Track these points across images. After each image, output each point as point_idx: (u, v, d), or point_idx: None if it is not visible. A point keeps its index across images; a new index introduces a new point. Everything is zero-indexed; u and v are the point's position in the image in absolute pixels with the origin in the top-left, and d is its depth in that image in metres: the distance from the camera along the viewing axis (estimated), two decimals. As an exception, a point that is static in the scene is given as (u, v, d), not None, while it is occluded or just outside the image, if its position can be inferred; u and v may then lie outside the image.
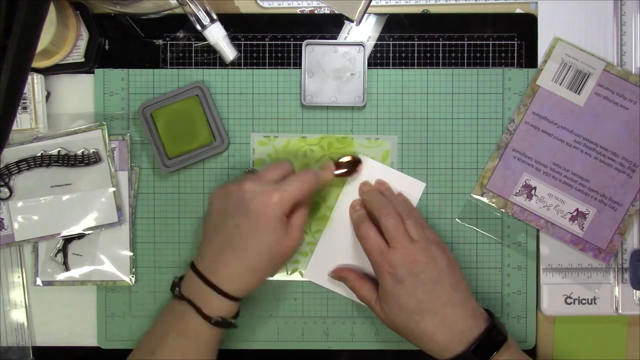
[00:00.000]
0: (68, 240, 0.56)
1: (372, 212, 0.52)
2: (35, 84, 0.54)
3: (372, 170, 0.56)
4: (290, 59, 0.57)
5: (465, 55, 0.57)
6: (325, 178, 0.52)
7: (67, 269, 0.56)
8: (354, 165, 0.55)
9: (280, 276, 0.57)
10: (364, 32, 0.57)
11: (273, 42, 0.57)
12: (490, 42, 0.57)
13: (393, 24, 0.57)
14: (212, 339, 0.48)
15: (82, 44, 0.55)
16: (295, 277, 0.57)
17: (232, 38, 0.56)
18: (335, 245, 0.56)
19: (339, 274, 0.54)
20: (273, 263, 0.48)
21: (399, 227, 0.49)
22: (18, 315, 0.57)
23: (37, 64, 0.54)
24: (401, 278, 0.47)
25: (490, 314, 0.49)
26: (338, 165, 0.54)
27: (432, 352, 0.47)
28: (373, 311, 0.51)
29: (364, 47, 0.55)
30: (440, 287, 0.47)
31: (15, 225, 0.55)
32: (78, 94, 0.57)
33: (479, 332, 0.46)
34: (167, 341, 0.47)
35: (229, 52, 0.55)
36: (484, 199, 0.56)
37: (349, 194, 0.56)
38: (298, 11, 0.57)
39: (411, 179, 0.56)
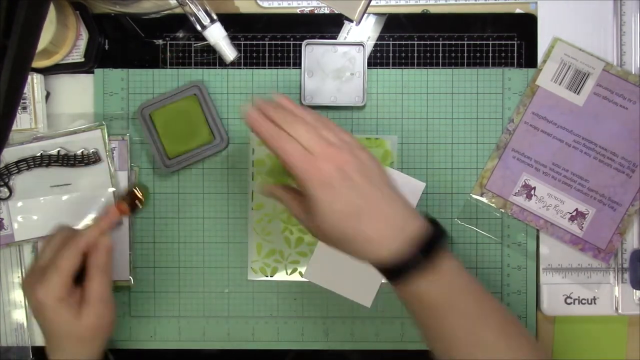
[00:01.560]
0: (68, 240, 0.56)
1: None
2: (35, 84, 0.54)
3: None
4: (290, 59, 0.57)
5: (465, 55, 0.57)
6: (101, 228, 0.48)
7: (66, 269, 0.56)
8: (138, 199, 0.53)
9: (280, 276, 0.57)
10: (363, 32, 0.57)
11: (273, 42, 0.57)
12: (490, 42, 0.57)
13: (393, 24, 0.57)
14: None
15: (82, 43, 0.55)
16: (295, 277, 0.57)
17: (232, 38, 0.56)
18: None
19: (272, 191, 0.48)
20: (84, 345, 0.47)
21: (313, 134, 0.42)
22: (18, 315, 0.56)
23: (37, 63, 0.54)
24: (330, 181, 0.41)
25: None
26: (120, 204, 0.52)
27: (368, 256, 0.42)
28: (305, 227, 0.45)
29: (363, 47, 0.55)
30: (375, 186, 0.42)
31: (15, 225, 0.55)
32: (78, 94, 0.57)
33: (419, 227, 0.41)
34: None
35: (229, 53, 0.55)
36: (484, 199, 0.56)
37: None
38: (298, 11, 0.57)
39: (411, 179, 0.56)
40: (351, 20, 0.56)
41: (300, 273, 0.57)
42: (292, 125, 0.43)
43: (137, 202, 0.53)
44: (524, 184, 0.56)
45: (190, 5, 0.54)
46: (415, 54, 0.57)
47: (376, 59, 0.57)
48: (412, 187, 0.56)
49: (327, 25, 0.57)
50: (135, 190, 0.53)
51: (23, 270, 0.56)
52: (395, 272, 0.41)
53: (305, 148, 0.42)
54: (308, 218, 0.44)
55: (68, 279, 0.46)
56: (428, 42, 0.57)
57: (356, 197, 0.41)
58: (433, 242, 0.41)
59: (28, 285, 0.47)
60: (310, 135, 0.42)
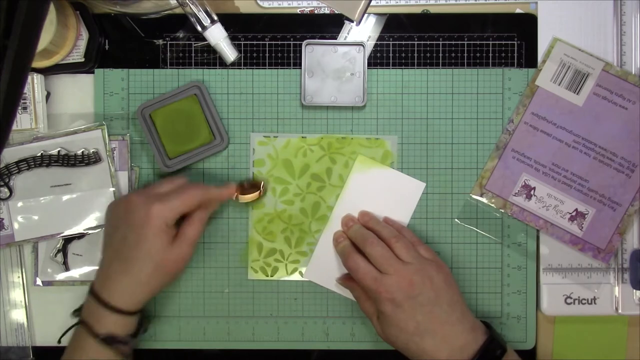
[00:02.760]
0: (68, 240, 0.56)
1: (359, 246, 0.52)
2: (35, 84, 0.54)
3: (372, 172, 0.56)
4: (290, 59, 0.57)
5: (465, 55, 0.57)
6: (219, 194, 0.52)
7: (67, 269, 0.56)
8: (259, 189, 0.55)
9: (280, 276, 0.57)
10: (364, 32, 0.57)
11: (273, 42, 0.57)
12: (490, 42, 0.57)
13: (393, 24, 0.57)
14: None
15: (82, 44, 0.55)
16: (295, 277, 0.57)
17: (232, 38, 0.56)
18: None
19: (345, 283, 0.55)
20: (160, 274, 0.48)
21: (386, 253, 0.49)
22: (18, 315, 0.57)
23: (37, 64, 0.54)
24: (399, 302, 0.47)
25: (488, 326, 0.50)
26: (242, 188, 0.54)
27: None
28: (374, 327, 0.51)
29: (364, 47, 0.55)
30: (439, 307, 0.47)
31: (15, 225, 0.55)
32: (78, 94, 0.57)
33: (477, 345, 0.47)
34: None
35: (229, 53, 0.55)
36: (483, 199, 0.56)
37: (349, 194, 0.56)
38: (298, 11, 0.57)
39: (411, 179, 0.56)
40: (351, 20, 0.56)
41: (300, 273, 0.57)
42: (368, 243, 0.50)
43: (256, 192, 0.55)
44: (523, 184, 0.56)
45: (191, 5, 0.54)
46: (415, 54, 0.57)
47: (376, 59, 0.57)
48: (411, 188, 0.56)
49: (327, 25, 0.57)
50: (260, 184, 0.55)
51: (24, 270, 0.56)
52: None
53: (378, 267, 0.48)
54: (377, 322, 0.50)
55: (181, 213, 0.49)
56: (428, 42, 0.57)
57: (421, 318, 0.47)
58: (492, 355, 0.46)
59: (140, 200, 0.48)
60: (384, 253, 0.49)
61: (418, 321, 0.47)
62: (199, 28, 0.54)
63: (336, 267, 0.56)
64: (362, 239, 0.51)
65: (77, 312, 0.50)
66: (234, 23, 0.56)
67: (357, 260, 0.50)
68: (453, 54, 0.57)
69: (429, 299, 0.47)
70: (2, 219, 0.55)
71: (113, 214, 0.50)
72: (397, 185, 0.56)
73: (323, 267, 0.56)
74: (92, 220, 0.56)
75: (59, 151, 0.55)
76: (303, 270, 0.57)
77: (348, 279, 0.54)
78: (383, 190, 0.56)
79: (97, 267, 0.55)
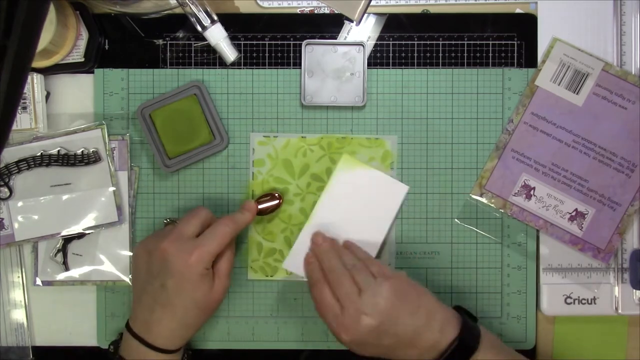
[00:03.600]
0: (68, 240, 0.56)
1: (323, 269, 0.51)
2: (35, 84, 0.54)
3: (356, 171, 0.56)
4: (290, 59, 0.57)
5: (465, 55, 0.57)
6: (245, 221, 0.52)
7: (66, 268, 0.56)
8: (277, 200, 0.55)
9: (280, 276, 0.57)
10: (363, 32, 0.57)
11: (273, 42, 0.57)
12: (490, 42, 0.57)
13: (393, 24, 0.57)
14: None
15: (82, 43, 0.55)
16: (296, 277, 0.57)
17: (232, 38, 0.56)
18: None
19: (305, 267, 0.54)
20: (204, 314, 0.50)
21: (346, 283, 0.48)
22: (18, 315, 0.57)
23: (37, 63, 0.54)
24: (363, 340, 0.47)
25: (463, 314, 0.49)
26: (260, 203, 0.54)
27: None
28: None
29: (363, 47, 0.55)
30: (402, 324, 0.47)
31: (15, 225, 0.55)
32: (78, 93, 0.57)
33: (446, 345, 0.46)
34: None
35: (229, 54, 0.55)
36: (483, 199, 0.56)
37: (332, 191, 0.56)
38: (298, 11, 0.57)
39: (394, 182, 0.56)
40: (351, 20, 0.56)
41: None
42: (333, 275, 0.49)
43: (274, 202, 0.55)
44: (523, 184, 0.56)
45: (191, 6, 0.54)
46: (415, 54, 0.57)
47: (376, 59, 0.57)
48: (394, 190, 0.56)
49: (327, 25, 0.57)
50: (275, 194, 0.55)
51: (23, 270, 0.56)
52: None
53: (337, 296, 0.48)
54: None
55: (217, 253, 0.49)
56: (428, 42, 0.57)
57: (387, 341, 0.47)
58: (462, 352, 0.47)
59: (176, 248, 0.48)
60: (346, 286, 0.47)
61: (385, 345, 0.47)
62: (199, 28, 0.54)
63: None
64: (328, 268, 0.50)
65: (112, 345, 0.52)
66: (234, 23, 0.56)
67: (322, 293, 0.49)
68: (453, 54, 0.57)
69: (390, 321, 0.46)
70: (2, 218, 0.55)
71: (146, 261, 0.50)
72: (381, 187, 0.56)
73: (302, 258, 0.56)
74: (91, 220, 0.56)
75: (58, 151, 0.55)
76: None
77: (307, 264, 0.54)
78: (366, 191, 0.56)
79: (96, 267, 0.55)
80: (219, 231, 0.49)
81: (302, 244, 0.56)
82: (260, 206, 0.54)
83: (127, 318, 0.56)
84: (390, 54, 0.57)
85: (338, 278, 0.48)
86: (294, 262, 0.56)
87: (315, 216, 0.56)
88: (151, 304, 0.49)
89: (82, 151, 0.55)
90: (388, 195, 0.56)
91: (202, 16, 0.54)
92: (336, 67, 0.56)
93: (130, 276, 0.56)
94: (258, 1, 0.57)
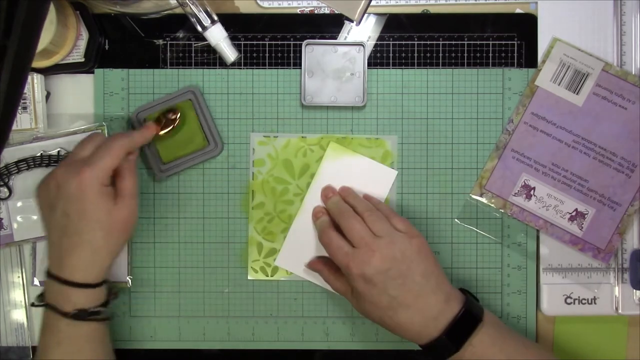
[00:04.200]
0: (67, 240, 0.56)
1: (334, 219, 0.52)
2: (35, 84, 0.54)
3: (344, 159, 0.56)
4: (290, 59, 0.57)
5: (465, 55, 0.57)
6: (142, 137, 0.51)
7: (66, 269, 0.56)
8: (173, 119, 0.54)
9: (280, 276, 0.57)
10: (364, 32, 0.57)
11: (273, 42, 0.57)
12: (490, 42, 0.57)
13: (393, 24, 0.57)
14: (90, 335, 0.47)
15: (82, 44, 0.55)
16: (296, 277, 0.57)
17: (232, 38, 0.56)
18: (308, 232, 0.56)
19: (313, 266, 0.55)
20: (113, 237, 0.47)
21: (359, 226, 0.49)
22: (18, 315, 0.56)
23: (37, 64, 0.54)
24: (370, 278, 0.47)
25: (467, 294, 0.50)
26: (158, 122, 0.54)
27: (409, 339, 0.48)
28: (349, 302, 0.52)
29: (364, 47, 0.55)
30: (411, 280, 0.47)
31: (15, 225, 0.55)
32: (78, 94, 0.57)
33: (451, 316, 0.47)
34: (48, 354, 0.47)
35: (230, 54, 0.55)
36: (483, 200, 0.56)
37: (321, 182, 0.56)
38: (298, 11, 0.57)
39: (382, 167, 0.56)
40: (351, 20, 0.56)
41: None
42: (343, 216, 0.50)
43: (172, 120, 0.54)
44: (523, 184, 0.56)
45: (191, 6, 0.54)
46: (415, 54, 0.57)
47: (376, 59, 0.57)
48: (383, 175, 0.56)
49: (327, 25, 0.57)
50: (171, 112, 0.54)
51: (24, 270, 0.56)
52: (433, 354, 0.48)
53: (350, 241, 0.48)
54: (351, 297, 0.51)
55: (112, 168, 0.47)
56: (428, 42, 0.57)
57: (393, 291, 0.47)
58: (466, 326, 0.47)
59: (68, 171, 0.46)
60: (356, 226, 0.49)
61: (390, 295, 0.47)
62: (199, 28, 0.54)
63: (307, 254, 0.56)
64: (338, 211, 0.52)
65: (40, 297, 0.49)
66: (234, 23, 0.56)
67: (331, 235, 0.50)
68: (453, 54, 0.57)
69: (400, 272, 0.47)
70: (2, 218, 0.55)
71: (44, 194, 0.48)
72: (369, 173, 0.56)
73: (294, 254, 0.56)
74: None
75: (58, 151, 0.55)
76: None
77: (315, 263, 0.54)
78: (355, 178, 0.56)
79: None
80: (110, 146, 0.47)
81: (294, 239, 0.56)
82: (162, 132, 0.54)
83: (126, 318, 0.56)
84: (391, 54, 0.57)
85: (350, 224, 0.49)
86: (287, 259, 0.56)
87: (305, 209, 0.56)
88: (58, 237, 0.47)
89: (82, 151, 0.55)
90: (377, 180, 0.56)
91: (203, 16, 0.54)
92: (336, 67, 0.56)
93: (129, 277, 0.56)
94: (258, 1, 0.57)
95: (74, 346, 0.47)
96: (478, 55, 0.57)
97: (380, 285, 0.47)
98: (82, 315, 0.46)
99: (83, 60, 0.55)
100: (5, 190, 0.55)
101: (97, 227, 0.46)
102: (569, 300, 0.56)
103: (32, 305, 0.49)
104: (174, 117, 0.54)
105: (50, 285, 0.47)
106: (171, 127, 0.54)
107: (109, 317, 0.49)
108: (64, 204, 0.46)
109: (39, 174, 0.55)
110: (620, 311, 0.56)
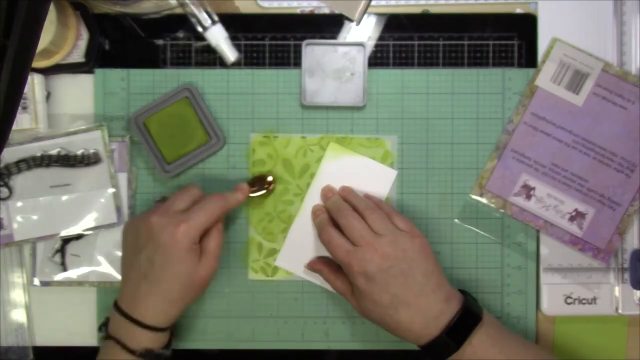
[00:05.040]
0: (66, 240, 0.56)
1: (334, 218, 0.52)
2: (35, 84, 0.54)
3: (343, 159, 0.56)
4: (290, 59, 0.57)
5: (465, 55, 0.57)
6: (236, 200, 0.52)
7: (65, 269, 0.56)
8: (268, 183, 0.55)
9: (280, 276, 0.57)
10: (364, 32, 0.57)
11: (273, 42, 0.57)
12: (490, 42, 0.57)
13: (393, 24, 0.57)
14: None
15: (82, 44, 0.55)
16: (296, 277, 0.57)
17: (232, 38, 0.56)
18: (308, 232, 0.56)
19: (313, 266, 0.55)
20: (190, 291, 0.49)
21: (359, 225, 0.49)
22: (18, 315, 0.56)
23: (37, 64, 0.54)
24: (371, 275, 0.47)
25: (465, 294, 0.50)
26: (252, 185, 0.55)
27: (408, 340, 0.48)
28: (349, 302, 0.52)
29: (364, 47, 0.55)
30: (412, 279, 0.47)
31: (15, 225, 0.55)
32: (78, 94, 0.57)
33: (451, 315, 0.47)
34: None
35: (230, 54, 0.55)
36: (483, 200, 0.56)
37: (321, 182, 0.56)
38: (298, 11, 0.57)
39: (382, 167, 0.56)
40: (351, 21, 0.56)
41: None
42: (342, 214, 0.50)
43: (265, 186, 0.55)
44: (523, 184, 0.56)
45: (191, 6, 0.54)
46: (416, 54, 0.57)
47: (376, 59, 0.57)
48: (383, 175, 0.56)
49: (328, 25, 0.57)
50: (266, 177, 0.55)
51: (24, 270, 0.56)
52: (433, 354, 0.48)
53: (351, 239, 0.48)
54: (351, 297, 0.51)
55: (205, 229, 0.49)
56: (428, 42, 0.57)
57: (394, 290, 0.47)
58: (466, 325, 0.47)
59: (164, 221, 0.47)
60: (357, 225, 0.49)
61: (392, 293, 0.47)
62: (200, 29, 0.54)
63: (307, 254, 0.56)
64: (337, 210, 0.51)
65: (103, 326, 0.51)
66: (234, 23, 0.56)
67: (331, 233, 0.50)
68: (453, 54, 0.57)
69: (401, 270, 0.47)
70: (2, 218, 0.55)
71: (133, 236, 0.50)
72: (369, 173, 0.56)
73: (294, 254, 0.56)
74: (90, 221, 0.56)
75: (58, 151, 0.55)
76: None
77: (315, 263, 0.54)
78: (355, 178, 0.56)
79: (94, 268, 0.55)
80: (208, 206, 0.49)
81: (294, 239, 0.56)
82: (252, 190, 0.54)
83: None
84: (391, 54, 0.57)
85: (349, 222, 0.49)
86: (287, 259, 0.56)
87: (305, 209, 0.56)
88: (137, 279, 0.48)
89: (82, 152, 0.55)
90: (377, 180, 0.56)
91: (203, 17, 0.54)
92: (336, 67, 0.56)
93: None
94: (258, 1, 0.57)
95: None
96: (478, 55, 0.57)
97: (381, 283, 0.47)
98: (148, 355, 0.48)
99: (83, 60, 0.55)
100: (5, 190, 0.55)
101: (178, 282, 0.48)
102: (569, 300, 0.56)
103: (99, 331, 0.52)
104: (269, 182, 0.55)
105: (117, 319, 0.49)
106: (264, 191, 0.55)
107: (169, 358, 0.51)
108: (151, 252, 0.47)
109: (39, 174, 0.55)
110: (620, 311, 0.56)
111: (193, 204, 0.50)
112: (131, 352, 0.48)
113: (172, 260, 0.47)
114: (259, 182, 0.55)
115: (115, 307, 0.50)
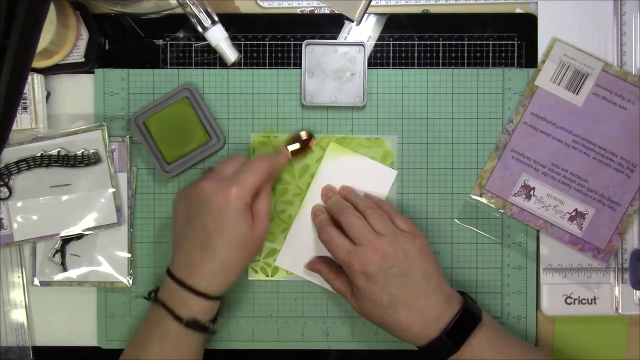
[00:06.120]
0: (66, 240, 0.56)
1: (335, 218, 0.52)
2: (35, 84, 0.54)
3: (343, 159, 0.56)
4: (290, 59, 0.57)
5: (465, 55, 0.57)
6: (280, 163, 0.53)
7: (65, 269, 0.56)
8: (307, 141, 0.55)
9: (280, 276, 0.57)
10: (364, 32, 0.57)
11: (273, 42, 0.57)
12: (490, 42, 0.57)
13: (393, 24, 0.57)
14: (193, 343, 0.49)
15: (82, 44, 0.55)
16: (296, 277, 0.57)
17: (232, 38, 0.56)
18: (308, 232, 0.56)
19: (313, 266, 0.55)
20: (245, 255, 0.49)
21: (360, 224, 0.49)
22: (18, 315, 0.56)
23: (37, 64, 0.54)
24: (372, 275, 0.47)
25: (465, 296, 0.50)
26: (291, 143, 0.55)
27: (408, 340, 0.48)
28: (349, 303, 0.51)
29: (364, 47, 0.55)
30: (412, 279, 0.47)
31: (15, 225, 0.55)
32: (78, 94, 0.57)
33: (451, 316, 0.47)
34: (149, 347, 0.48)
35: (230, 54, 0.55)
36: (483, 200, 0.56)
37: (321, 182, 0.56)
38: (298, 11, 0.57)
39: (382, 167, 0.56)
40: (351, 21, 0.57)
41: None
42: (343, 214, 0.50)
43: (306, 144, 0.55)
44: (523, 184, 0.56)
45: (192, 6, 0.54)
46: (416, 54, 0.57)
47: (376, 59, 0.57)
48: (383, 175, 0.56)
49: (328, 25, 0.57)
50: (306, 135, 0.55)
51: (24, 270, 0.56)
52: (432, 355, 0.47)
53: (352, 238, 0.48)
54: (351, 297, 0.51)
55: (256, 190, 0.49)
56: (428, 42, 0.57)
57: (394, 290, 0.47)
58: (465, 326, 0.47)
59: (214, 186, 0.47)
60: (357, 224, 0.49)
61: (391, 294, 0.47)
62: (200, 29, 0.54)
63: (307, 254, 0.56)
64: (338, 209, 0.51)
65: (153, 292, 0.51)
66: (234, 23, 0.56)
67: (331, 233, 0.50)
68: (453, 54, 0.57)
69: (402, 270, 0.47)
70: (2, 218, 0.55)
71: (185, 205, 0.50)
72: (369, 173, 0.56)
73: (294, 254, 0.56)
74: (91, 221, 0.56)
75: (58, 151, 0.55)
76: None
77: (315, 263, 0.54)
78: (355, 178, 0.56)
79: (94, 268, 0.55)
80: (256, 167, 0.49)
81: (294, 239, 0.56)
82: (294, 155, 0.55)
83: (126, 318, 0.56)
84: (391, 54, 0.57)
85: (350, 220, 0.49)
86: (287, 259, 0.56)
87: (305, 209, 0.56)
88: (192, 246, 0.48)
89: (82, 152, 0.55)
90: (377, 180, 0.56)
91: (203, 17, 0.54)
92: (336, 67, 0.56)
93: (129, 277, 0.56)
94: (258, 1, 0.57)
95: (176, 348, 0.48)
96: (478, 55, 0.57)
97: (381, 283, 0.47)
98: (194, 325, 0.48)
99: (83, 60, 0.55)
100: (5, 190, 0.55)
101: (234, 245, 0.48)
102: (569, 300, 0.56)
103: (146, 298, 0.51)
104: (304, 139, 0.55)
105: (170, 287, 0.49)
106: (303, 152, 0.55)
107: (214, 332, 0.50)
108: (204, 216, 0.47)
109: (39, 174, 0.55)
110: (620, 311, 0.56)
111: (240, 168, 0.49)
112: (178, 319, 0.47)
113: (227, 224, 0.47)
114: (295, 142, 0.55)
115: (168, 274, 0.49)
